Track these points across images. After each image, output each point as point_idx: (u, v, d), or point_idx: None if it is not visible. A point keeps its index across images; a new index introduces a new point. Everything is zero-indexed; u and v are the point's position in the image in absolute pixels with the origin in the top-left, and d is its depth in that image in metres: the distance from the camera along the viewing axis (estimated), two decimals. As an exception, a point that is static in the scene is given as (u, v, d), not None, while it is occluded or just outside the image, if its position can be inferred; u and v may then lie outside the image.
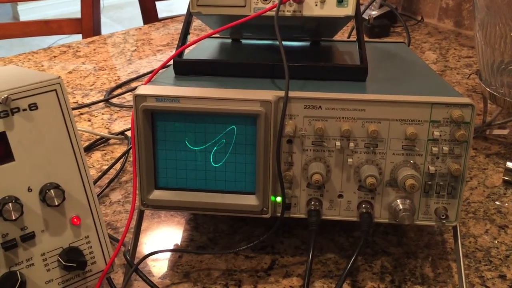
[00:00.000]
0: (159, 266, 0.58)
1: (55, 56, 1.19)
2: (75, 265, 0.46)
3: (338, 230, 0.62)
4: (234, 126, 0.51)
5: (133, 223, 0.57)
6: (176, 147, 0.52)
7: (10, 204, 0.43)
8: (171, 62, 0.59)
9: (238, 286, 0.55)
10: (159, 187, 0.53)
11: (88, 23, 1.37)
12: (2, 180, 0.44)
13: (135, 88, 1.02)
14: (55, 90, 0.45)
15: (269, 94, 0.50)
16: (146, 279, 0.52)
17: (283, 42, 0.54)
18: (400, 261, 0.58)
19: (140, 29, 1.39)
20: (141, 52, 1.22)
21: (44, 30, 1.41)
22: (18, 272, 0.44)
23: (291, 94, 0.50)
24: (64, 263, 0.46)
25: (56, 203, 0.45)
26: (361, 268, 0.57)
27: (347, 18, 0.57)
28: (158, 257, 0.59)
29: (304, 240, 0.61)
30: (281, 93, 0.50)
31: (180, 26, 1.39)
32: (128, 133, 0.85)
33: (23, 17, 4.16)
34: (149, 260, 0.58)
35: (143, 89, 0.51)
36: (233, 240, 0.61)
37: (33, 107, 0.45)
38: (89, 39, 1.30)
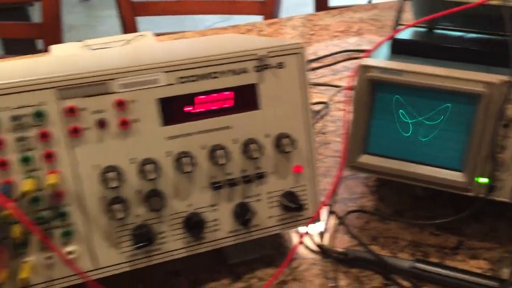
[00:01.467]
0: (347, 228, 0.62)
1: (242, 33, 1.30)
2: (295, 206, 0.53)
3: (531, 224, 0.62)
4: (449, 104, 0.54)
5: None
6: (390, 117, 0.56)
7: (254, 144, 0.51)
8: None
9: (426, 258, 0.57)
10: (368, 152, 0.58)
11: (271, 6, 1.48)
12: (247, 124, 0.51)
13: (315, 69, 1.09)
14: (300, 53, 0.52)
15: (494, 77, 0.51)
16: (350, 230, 0.58)
17: (474, 35, 0.54)
18: None
19: (317, 15, 1.46)
20: (318, 36, 1.28)
21: (228, 9, 1.55)
22: (249, 204, 0.52)
23: (517, 80, 0.51)
24: (287, 203, 0.53)
25: (288, 150, 0.52)
26: (556, 265, 0.56)
27: None
28: (346, 221, 0.64)
29: (492, 227, 0.62)
30: (506, 78, 0.51)
31: (354, 15, 1.43)
32: (316, 107, 0.91)
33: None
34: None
35: (369, 61, 0.55)
36: (417, 215, 0.64)
37: (280, 66, 0.52)
38: (271, 21, 1.40)
